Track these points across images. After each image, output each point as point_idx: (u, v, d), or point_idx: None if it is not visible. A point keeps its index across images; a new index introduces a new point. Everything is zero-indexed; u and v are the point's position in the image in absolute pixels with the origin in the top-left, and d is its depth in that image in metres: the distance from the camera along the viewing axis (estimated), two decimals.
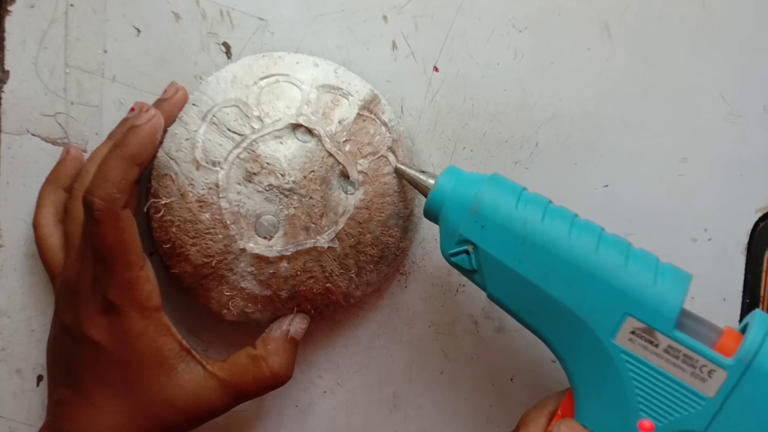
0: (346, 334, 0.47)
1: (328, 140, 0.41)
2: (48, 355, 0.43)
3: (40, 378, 0.46)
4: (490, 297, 0.37)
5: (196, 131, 0.41)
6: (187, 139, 0.41)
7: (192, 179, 0.41)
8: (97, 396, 0.40)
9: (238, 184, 0.41)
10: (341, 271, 0.42)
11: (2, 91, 0.45)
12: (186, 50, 0.45)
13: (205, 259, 0.41)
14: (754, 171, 0.46)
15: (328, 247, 0.41)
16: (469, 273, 0.38)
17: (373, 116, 0.43)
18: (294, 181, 0.41)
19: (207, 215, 0.40)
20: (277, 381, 0.41)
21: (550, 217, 0.36)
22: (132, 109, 0.43)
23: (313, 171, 0.41)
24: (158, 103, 0.42)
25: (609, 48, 0.46)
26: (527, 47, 0.45)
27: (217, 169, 0.40)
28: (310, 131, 0.41)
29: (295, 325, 0.42)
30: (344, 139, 0.42)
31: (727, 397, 0.33)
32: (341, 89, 0.42)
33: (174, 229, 0.41)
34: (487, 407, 0.47)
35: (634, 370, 0.34)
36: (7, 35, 0.44)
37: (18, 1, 0.44)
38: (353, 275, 0.43)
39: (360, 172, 0.42)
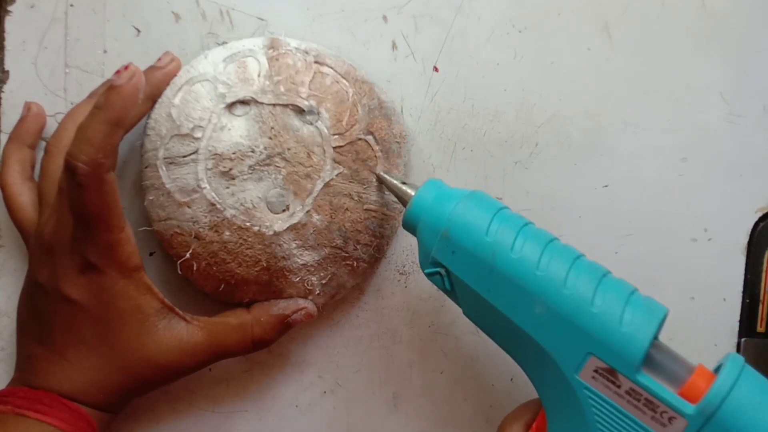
0: (346, 335, 0.47)
1: (261, 95, 0.41)
2: (19, 311, 0.43)
3: None
4: (466, 315, 0.38)
5: (162, 179, 0.41)
6: (159, 191, 0.41)
7: (193, 218, 0.41)
8: (72, 352, 0.40)
9: (226, 188, 0.41)
10: (362, 186, 0.42)
11: (2, 91, 0.45)
12: (186, 50, 0.45)
13: (256, 268, 0.41)
14: (754, 171, 0.46)
15: (338, 175, 0.41)
16: (445, 291, 0.38)
17: (283, 51, 0.42)
18: (265, 148, 0.41)
19: (227, 233, 0.41)
20: (257, 348, 0.43)
21: (522, 245, 0.35)
22: (118, 72, 0.42)
23: (272, 128, 0.41)
24: (150, 71, 0.42)
25: (609, 48, 0.46)
26: (527, 47, 0.45)
27: (201, 193, 0.40)
28: (243, 102, 0.41)
29: (300, 315, 0.43)
30: (274, 84, 0.41)
31: None
32: (239, 52, 0.42)
33: (215, 268, 0.41)
34: (487, 407, 0.47)
35: (597, 406, 0.34)
36: (7, 35, 0.44)
37: (18, 1, 0.44)
38: (371, 188, 0.43)
39: (308, 97, 0.41)
